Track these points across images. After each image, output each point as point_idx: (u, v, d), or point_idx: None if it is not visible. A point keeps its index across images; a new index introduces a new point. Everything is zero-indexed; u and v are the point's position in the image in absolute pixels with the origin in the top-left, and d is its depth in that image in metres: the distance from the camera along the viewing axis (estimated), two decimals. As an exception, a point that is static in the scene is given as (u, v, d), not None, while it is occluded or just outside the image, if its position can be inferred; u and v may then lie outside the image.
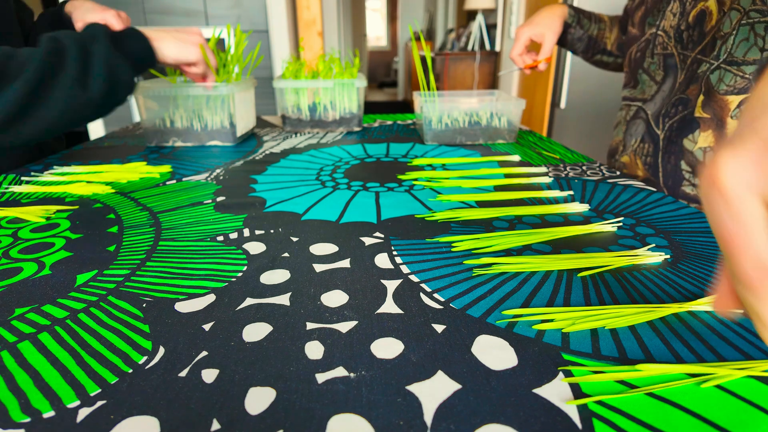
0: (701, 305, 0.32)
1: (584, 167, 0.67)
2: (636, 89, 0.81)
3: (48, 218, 0.49)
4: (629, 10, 0.85)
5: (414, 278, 0.36)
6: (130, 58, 0.65)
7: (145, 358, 0.27)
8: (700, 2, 0.63)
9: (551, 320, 0.30)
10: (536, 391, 0.24)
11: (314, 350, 0.28)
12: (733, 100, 0.61)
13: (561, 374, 0.26)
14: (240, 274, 0.37)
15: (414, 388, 0.25)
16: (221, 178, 0.64)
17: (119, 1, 2.17)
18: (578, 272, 0.37)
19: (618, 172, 0.64)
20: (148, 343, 0.29)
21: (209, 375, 0.26)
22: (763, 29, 0.57)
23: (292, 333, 0.29)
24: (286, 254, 0.40)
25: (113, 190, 0.58)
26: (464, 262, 0.39)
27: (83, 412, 0.23)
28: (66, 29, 0.67)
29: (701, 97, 0.63)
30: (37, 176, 0.64)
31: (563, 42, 0.97)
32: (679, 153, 0.67)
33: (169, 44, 0.70)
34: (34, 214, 0.49)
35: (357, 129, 0.95)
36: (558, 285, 0.35)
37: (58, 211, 0.51)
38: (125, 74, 0.64)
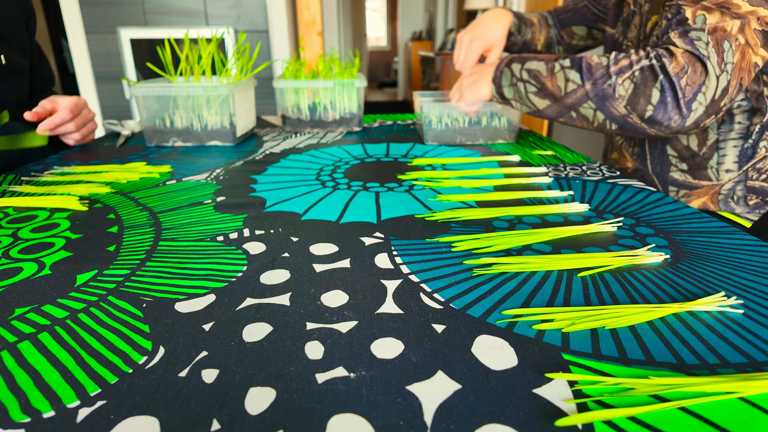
0: (701, 305, 0.32)
1: (584, 167, 0.67)
2: None
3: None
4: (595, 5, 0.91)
5: (414, 278, 0.36)
6: None
7: (145, 358, 0.27)
8: (653, 16, 0.73)
9: (551, 320, 0.30)
10: (536, 391, 0.24)
11: (314, 350, 0.28)
12: None
13: (561, 374, 0.25)
14: (240, 274, 0.37)
15: (414, 388, 0.25)
16: (221, 178, 0.64)
17: (119, 0, 2.17)
18: (578, 272, 0.37)
19: (618, 172, 0.64)
20: (148, 343, 0.29)
21: (209, 375, 0.26)
22: None
23: (292, 333, 0.29)
24: (286, 254, 0.40)
25: (113, 190, 0.58)
26: (464, 262, 0.39)
27: (83, 412, 0.23)
28: None
29: None
30: (37, 176, 0.64)
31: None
32: (664, 138, 0.74)
33: None
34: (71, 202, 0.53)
35: (357, 129, 0.95)
36: (558, 285, 0.35)
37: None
38: None
